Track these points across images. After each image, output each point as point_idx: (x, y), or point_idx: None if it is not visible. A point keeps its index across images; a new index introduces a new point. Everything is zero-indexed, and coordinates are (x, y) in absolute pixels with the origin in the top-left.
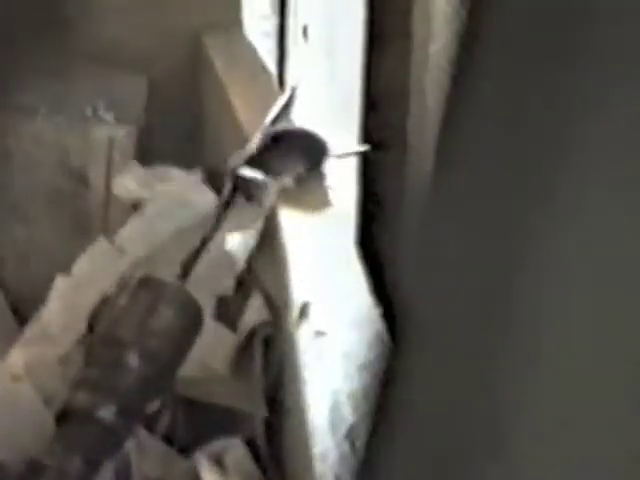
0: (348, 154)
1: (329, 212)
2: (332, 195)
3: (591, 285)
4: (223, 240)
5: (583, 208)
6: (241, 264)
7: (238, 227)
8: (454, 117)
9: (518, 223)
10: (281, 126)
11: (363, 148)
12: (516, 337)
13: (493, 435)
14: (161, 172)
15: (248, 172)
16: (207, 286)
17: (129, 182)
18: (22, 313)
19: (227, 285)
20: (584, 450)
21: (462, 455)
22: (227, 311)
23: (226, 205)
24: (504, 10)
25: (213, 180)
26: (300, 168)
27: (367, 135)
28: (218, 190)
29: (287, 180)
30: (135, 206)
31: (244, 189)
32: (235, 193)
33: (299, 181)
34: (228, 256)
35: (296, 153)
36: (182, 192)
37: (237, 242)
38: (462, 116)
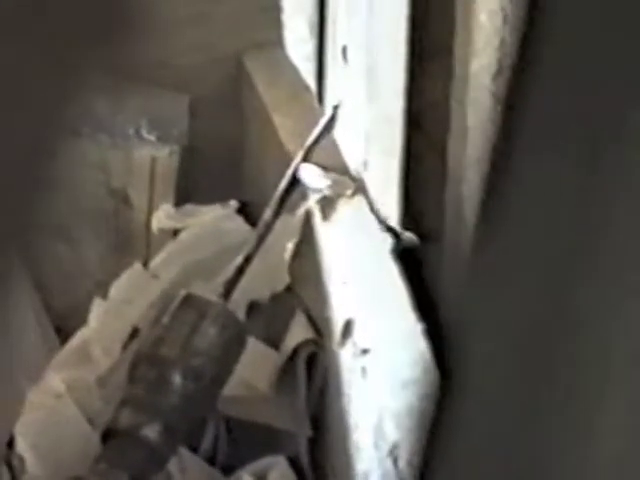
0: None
1: (370, 226)
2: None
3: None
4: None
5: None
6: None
7: (279, 237)
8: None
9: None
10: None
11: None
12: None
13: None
14: (193, 209)
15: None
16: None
17: (163, 219)
18: (65, 331)
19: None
20: None
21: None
22: (269, 330)
23: (275, 216)
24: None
25: (248, 210)
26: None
27: (408, 153)
28: (253, 220)
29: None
30: (174, 234)
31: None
32: (283, 206)
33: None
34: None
35: None
36: (216, 222)
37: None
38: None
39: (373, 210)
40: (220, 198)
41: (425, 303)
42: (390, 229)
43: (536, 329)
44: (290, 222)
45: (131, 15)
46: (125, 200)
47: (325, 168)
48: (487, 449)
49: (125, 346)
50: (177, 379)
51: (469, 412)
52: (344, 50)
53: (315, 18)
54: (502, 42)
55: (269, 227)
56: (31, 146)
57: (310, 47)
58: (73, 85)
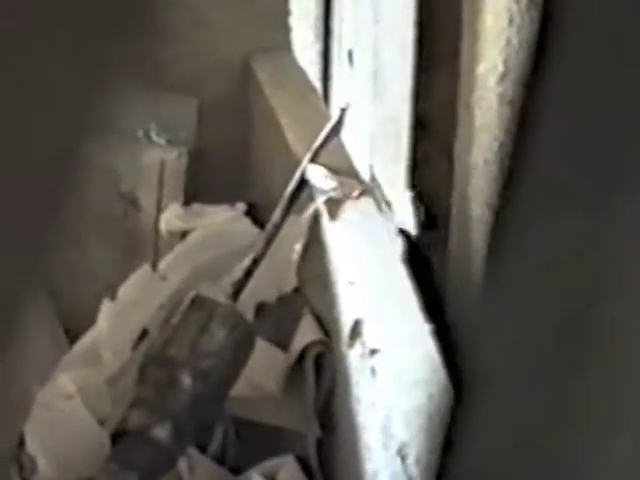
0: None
1: (377, 227)
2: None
3: None
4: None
5: None
6: (290, 275)
7: (286, 239)
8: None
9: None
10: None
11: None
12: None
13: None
14: (200, 209)
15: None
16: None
17: (172, 220)
18: (74, 332)
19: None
20: None
21: None
22: (277, 331)
23: (282, 218)
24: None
25: (256, 212)
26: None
27: (415, 155)
28: (260, 222)
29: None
30: (183, 236)
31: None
32: (292, 206)
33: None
34: (274, 266)
35: None
36: (223, 223)
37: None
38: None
39: (381, 212)
40: (228, 200)
41: (433, 303)
42: (403, 232)
43: (543, 329)
44: (298, 223)
45: (155, 14)
46: (134, 203)
47: (332, 170)
48: (494, 447)
49: (134, 347)
50: (186, 380)
51: (480, 411)
52: (350, 53)
53: (321, 21)
54: (508, 43)
55: (277, 229)
56: (60, 148)
57: (316, 50)
58: (101, 86)
